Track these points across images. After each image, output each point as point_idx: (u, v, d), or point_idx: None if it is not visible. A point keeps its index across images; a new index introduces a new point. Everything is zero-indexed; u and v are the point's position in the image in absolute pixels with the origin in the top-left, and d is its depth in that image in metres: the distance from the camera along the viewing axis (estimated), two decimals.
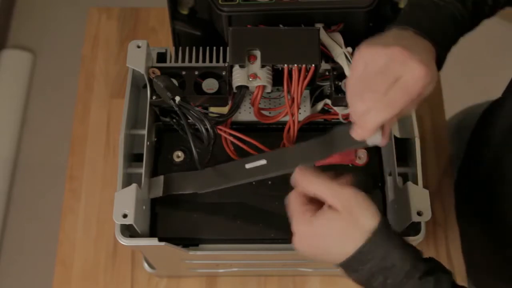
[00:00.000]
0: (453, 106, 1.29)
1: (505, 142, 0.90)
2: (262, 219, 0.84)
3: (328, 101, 0.86)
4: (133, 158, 0.88)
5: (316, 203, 0.67)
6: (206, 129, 0.79)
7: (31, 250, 1.87)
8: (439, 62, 0.72)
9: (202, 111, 0.80)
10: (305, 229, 0.66)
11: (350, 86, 0.68)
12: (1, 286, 1.85)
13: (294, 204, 0.68)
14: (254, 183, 0.85)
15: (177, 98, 0.79)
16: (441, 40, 0.72)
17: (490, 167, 0.96)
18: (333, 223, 0.64)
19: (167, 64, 0.88)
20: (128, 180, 0.83)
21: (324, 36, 0.85)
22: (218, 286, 1.12)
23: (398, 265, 0.63)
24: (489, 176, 0.96)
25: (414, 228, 0.81)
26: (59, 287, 1.12)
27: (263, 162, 0.78)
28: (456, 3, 0.76)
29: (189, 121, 0.80)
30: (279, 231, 0.79)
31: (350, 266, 0.65)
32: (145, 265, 1.09)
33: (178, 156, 0.90)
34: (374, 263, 0.63)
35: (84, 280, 1.13)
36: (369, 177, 0.89)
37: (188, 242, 0.86)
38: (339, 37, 0.87)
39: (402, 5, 0.96)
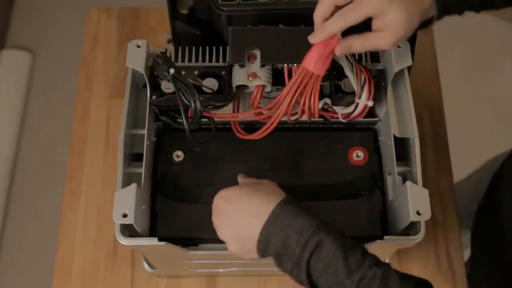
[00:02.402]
0: (453, 106, 1.29)
1: None
2: None
3: (328, 101, 0.86)
4: (133, 158, 0.88)
5: None
6: (195, 101, 0.79)
7: (31, 250, 1.87)
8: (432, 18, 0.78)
9: (195, 82, 0.82)
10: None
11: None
12: (1, 286, 1.85)
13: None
14: None
15: (172, 70, 0.80)
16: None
17: (506, 229, 0.96)
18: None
19: None
20: (128, 180, 0.83)
21: None
22: (218, 286, 1.11)
23: (292, 244, 0.71)
24: (503, 238, 0.96)
25: (414, 228, 0.81)
26: (59, 287, 1.12)
27: None
28: None
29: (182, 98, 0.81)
30: None
31: (260, 248, 0.73)
32: (145, 265, 1.09)
33: (178, 155, 0.90)
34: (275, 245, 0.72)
35: (84, 280, 1.13)
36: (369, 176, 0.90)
37: (187, 242, 0.86)
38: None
39: None
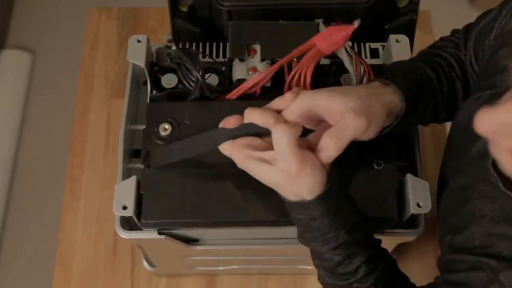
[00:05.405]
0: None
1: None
2: (262, 198, 0.76)
3: None
4: (133, 154, 0.88)
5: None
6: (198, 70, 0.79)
7: (31, 250, 1.86)
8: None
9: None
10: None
11: None
12: (1, 286, 1.85)
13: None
14: None
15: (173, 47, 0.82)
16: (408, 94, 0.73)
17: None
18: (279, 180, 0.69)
19: None
20: (128, 175, 0.82)
21: None
22: (218, 285, 1.12)
23: (322, 229, 0.69)
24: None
25: (414, 221, 0.80)
26: (59, 287, 1.12)
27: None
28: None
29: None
30: (281, 211, 0.72)
31: (288, 207, 0.71)
32: (145, 263, 1.09)
33: (165, 129, 0.80)
34: (304, 217, 0.69)
35: (84, 279, 1.13)
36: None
37: (178, 226, 0.79)
38: None
39: (400, 4, 0.97)
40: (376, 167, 0.79)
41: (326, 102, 0.67)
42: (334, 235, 0.69)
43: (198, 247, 0.85)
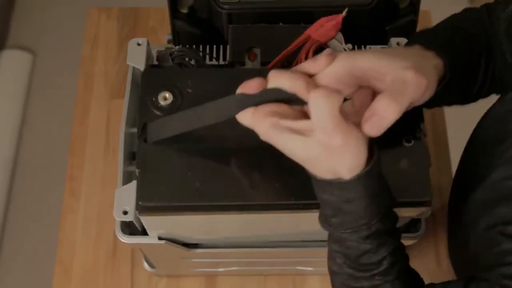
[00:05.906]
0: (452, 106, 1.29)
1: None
2: (278, 178, 0.68)
3: None
4: (133, 156, 0.87)
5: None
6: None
7: (31, 250, 1.87)
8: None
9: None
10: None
11: None
12: (1, 286, 1.85)
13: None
14: None
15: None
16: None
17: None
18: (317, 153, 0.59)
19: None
20: (128, 178, 0.82)
21: None
22: (217, 285, 1.12)
23: (356, 214, 0.61)
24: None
25: (414, 225, 0.81)
26: (59, 287, 1.12)
27: None
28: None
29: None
30: (301, 192, 0.65)
31: (317, 185, 0.62)
32: (145, 264, 1.09)
33: (165, 98, 0.72)
34: (336, 199, 0.61)
35: (84, 280, 1.13)
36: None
37: (183, 210, 0.70)
38: (339, 35, 0.87)
39: (401, 4, 0.96)
40: (405, 144, 0.71)
41: (373, 63, 0.59)
42: (367, 221, 0.61)
43: (198, 250, 0.85)
